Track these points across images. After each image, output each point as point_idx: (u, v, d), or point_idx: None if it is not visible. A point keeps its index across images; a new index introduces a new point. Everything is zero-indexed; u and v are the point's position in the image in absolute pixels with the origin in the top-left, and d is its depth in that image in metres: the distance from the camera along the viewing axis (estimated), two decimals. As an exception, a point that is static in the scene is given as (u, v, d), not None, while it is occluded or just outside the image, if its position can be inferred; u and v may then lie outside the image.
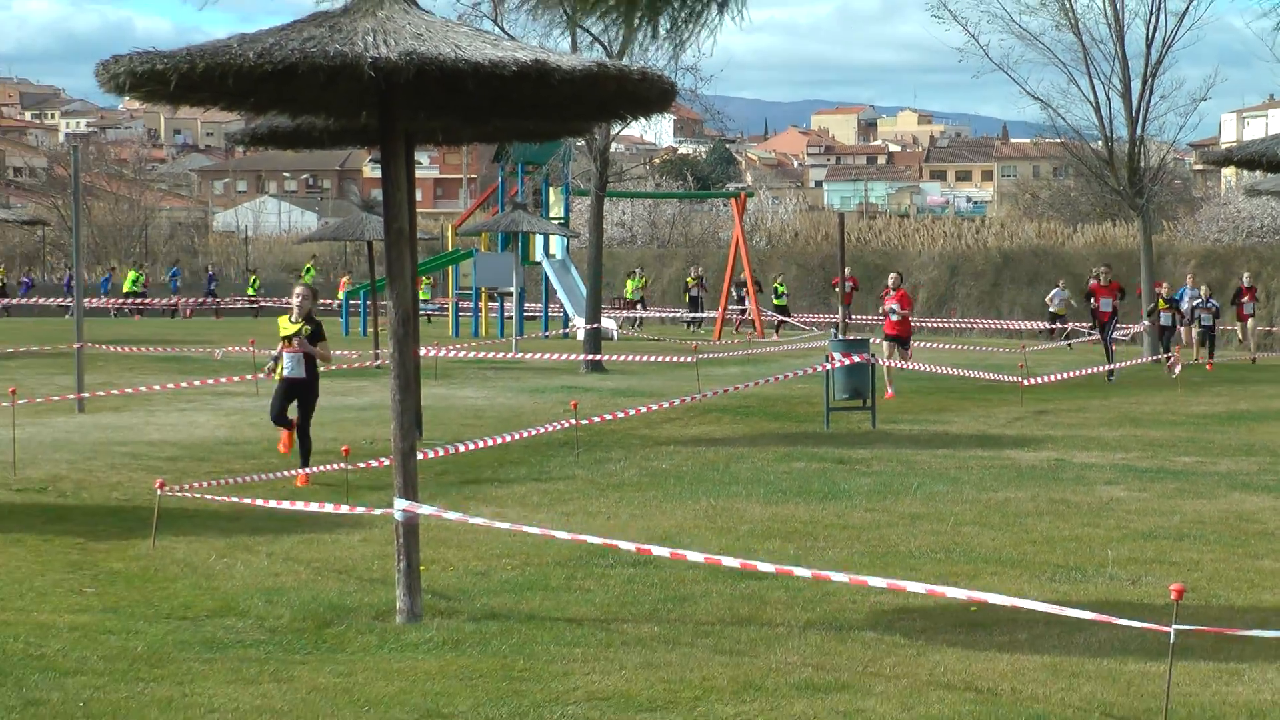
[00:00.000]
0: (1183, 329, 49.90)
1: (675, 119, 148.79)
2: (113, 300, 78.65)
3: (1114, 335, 44.71)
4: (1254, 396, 37.42)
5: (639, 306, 71.43)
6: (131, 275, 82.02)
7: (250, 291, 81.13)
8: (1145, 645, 11.98)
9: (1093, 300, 44.35)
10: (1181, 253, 67.54)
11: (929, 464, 24.40)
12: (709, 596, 14.80)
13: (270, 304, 72.76)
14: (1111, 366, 41.45)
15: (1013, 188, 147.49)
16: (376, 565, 15.97)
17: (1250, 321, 51.43)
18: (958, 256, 77.68)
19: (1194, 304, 49.81)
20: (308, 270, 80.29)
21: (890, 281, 37.47)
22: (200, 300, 79.83)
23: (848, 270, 47.00)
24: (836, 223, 44.74)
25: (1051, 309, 60.25)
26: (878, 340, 36.23)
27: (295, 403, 22.56)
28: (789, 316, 67.15)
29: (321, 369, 23.47)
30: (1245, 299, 51.86)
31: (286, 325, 22.31)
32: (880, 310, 37.61)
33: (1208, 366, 43.95)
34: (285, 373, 22.20)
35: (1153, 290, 53.70)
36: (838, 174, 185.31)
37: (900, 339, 36.90)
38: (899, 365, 36.28)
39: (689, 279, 72.22)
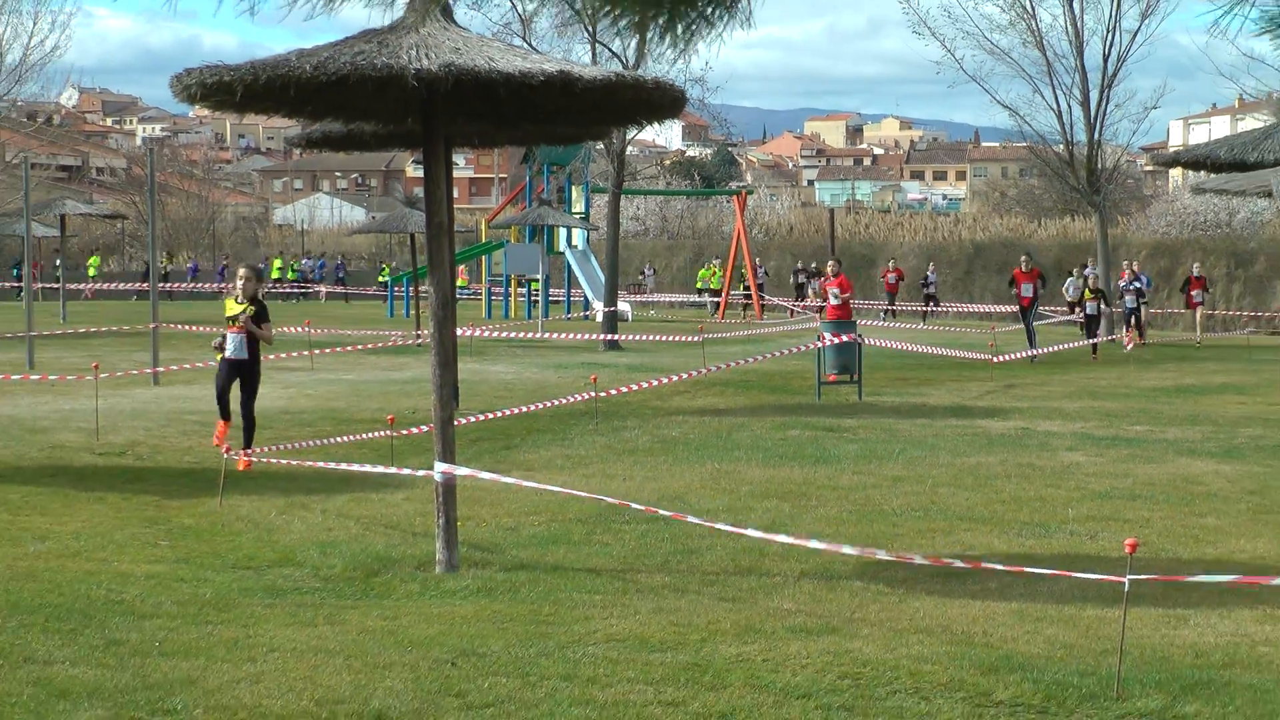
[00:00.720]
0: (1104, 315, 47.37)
1: (684, 125, 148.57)
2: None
3: (1035, 321, 43.55)
4: (1199, 372, 37.48)
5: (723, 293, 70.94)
6: (276, 263, 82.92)
7: (381, 279, 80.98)
8: (1102, 593, 11.98)
9: (1014, 286, 43.49)
10: (1134, 245, 67.54)
11: (909, 432, 24.41)
12: (714, 549, 14.79)
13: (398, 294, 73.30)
14: (1033, 352, 40.09)
15: (984, 186, 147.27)
16: (418, 521, 15.99)
17: (1199, 310, 50.27)
18: (934, 247, 77.74)
19: (1121, 285, 48.65)
20: (712, 271, 78.68)
21: (830, 269, 35.22)
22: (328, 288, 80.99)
23: (891, 262, 47.37)
24: (827, 218, 44.75)
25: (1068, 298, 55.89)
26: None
27: (239, 385, 20.86)
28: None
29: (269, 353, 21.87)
30: (1194, 289, 50.93)
31: (232, 306, 20.74)
32: (821, 297, 35.10)
33: (1127, 345, 42.06)
34: (228, 353, 20.68)
35: (1111, 276, 53.62)
36: (828, 174, 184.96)
37: (842, 322, 33.50)
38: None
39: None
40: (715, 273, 71.85)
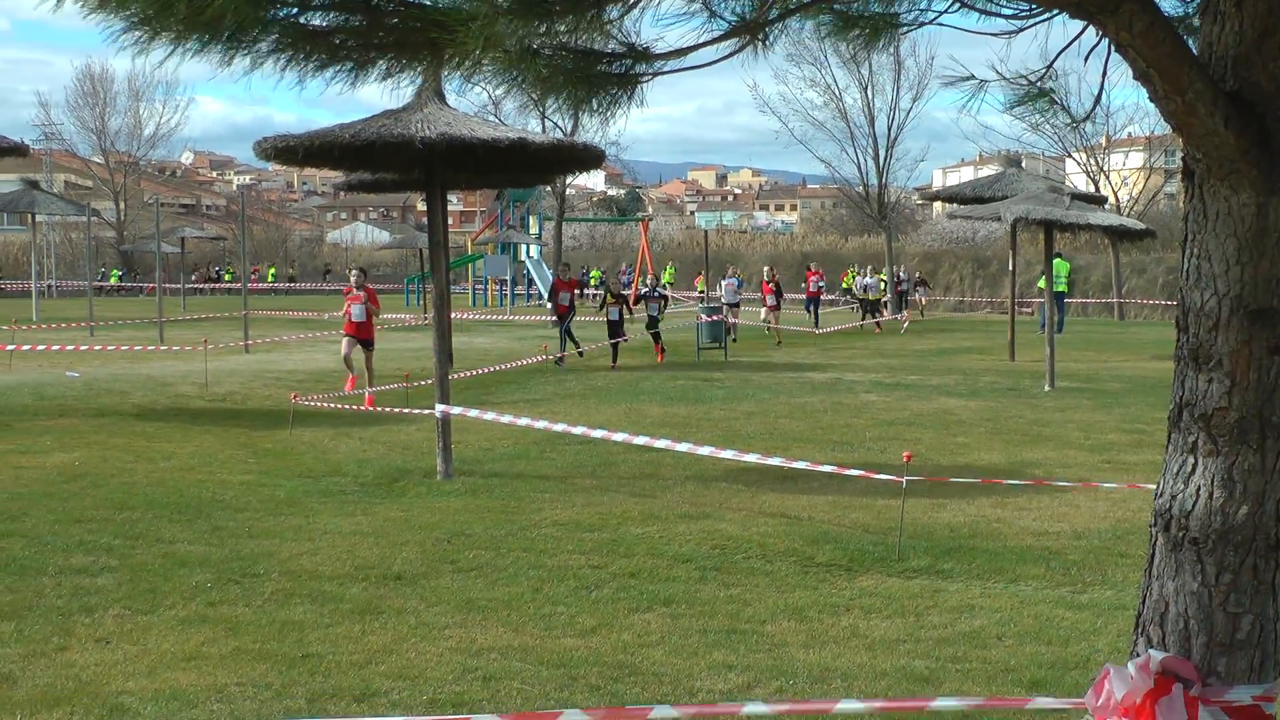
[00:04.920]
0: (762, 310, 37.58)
1: (605, 173, 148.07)
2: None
3: (570, 324, 30.26)
4: (954, 340, 37.72)
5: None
6: (274, 270, 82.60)
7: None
8: (888, 489, 12.02)
9: (554, 295, 30.89)
10: (910, 254, 67.58)
11: (759, 381, 24.45)
12: (627, 461, 14.78)
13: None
14: (561, 354, 28.42)
15: (809, 215, 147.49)
16: (425, 444, 15.90)
17: (776, 313, 38.30)
18: (776, 255, 77.71)
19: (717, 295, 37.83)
20: (669, 270, 72.13)
21: (353, 280, 22.48)
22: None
23: (816, 265, 45.38)
24: (703, 237, 44.94)
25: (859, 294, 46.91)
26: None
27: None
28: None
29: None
30: (766, 293, 39.46)
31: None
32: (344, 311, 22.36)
33: (904, 324, 37.73)
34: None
35: (894, 276, 53.62)
36: (704, 207, 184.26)
37: (363, 341, 21.97)
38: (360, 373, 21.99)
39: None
40: (669, 271, 71.26)
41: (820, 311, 44.06)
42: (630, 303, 31.58)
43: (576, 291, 32.21)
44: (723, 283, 39.37)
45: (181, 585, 9.11)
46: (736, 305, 38.47)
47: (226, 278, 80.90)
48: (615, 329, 29.07)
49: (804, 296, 46.58)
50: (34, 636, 7.89)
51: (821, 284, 45.43)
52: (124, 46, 4.18)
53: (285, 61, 4.46)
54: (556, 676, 7.19)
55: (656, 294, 32.24)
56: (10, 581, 9.17)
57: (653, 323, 31.02)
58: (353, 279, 22.49)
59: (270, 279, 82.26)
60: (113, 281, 73.42)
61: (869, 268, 49.22)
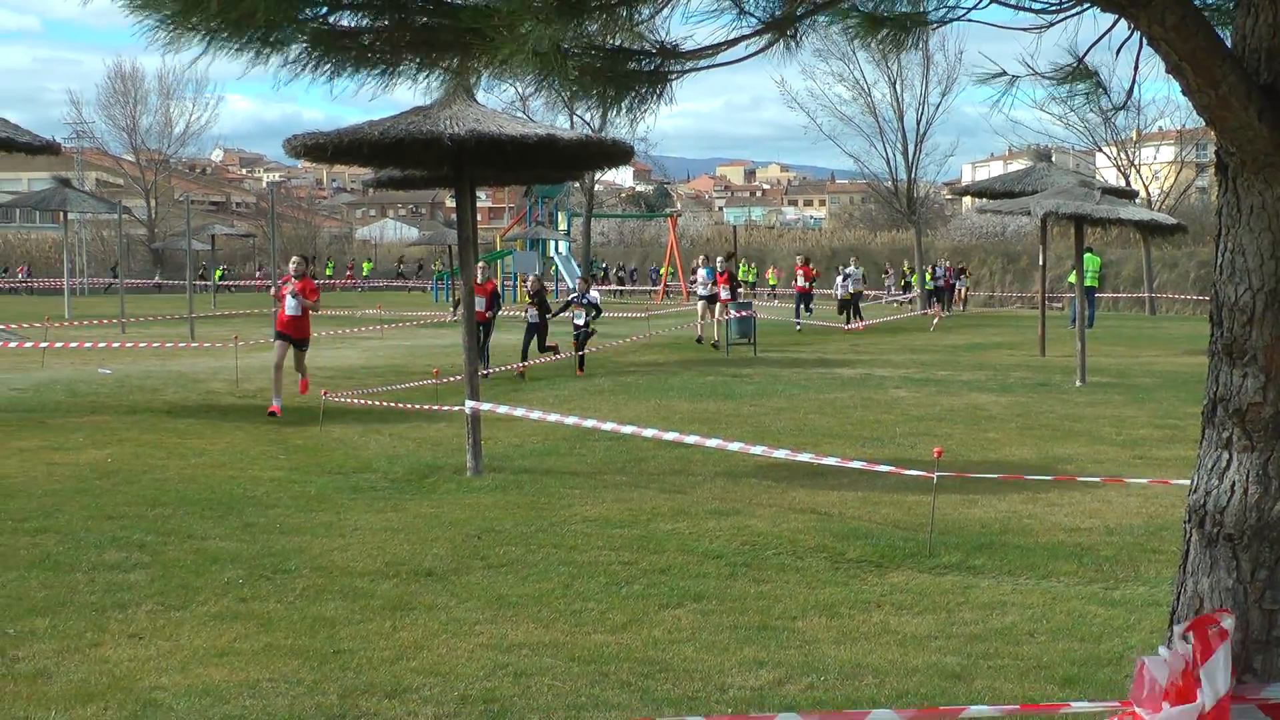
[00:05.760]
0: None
1: (633, 169, 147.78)
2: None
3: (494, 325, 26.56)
4: (984, 335, 37.60)
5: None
6: (367, 265, 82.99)
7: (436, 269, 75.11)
8: (919, 485, 11.99)
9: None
10: (940, 249, 67.40)
11: (788, 377, 24.41)
12: (657, 458, 14.79)
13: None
14: (486, 369, 23.27)
15: (838, 210, 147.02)
16: (455, 440, 15.92)
17: (719, 305, 33.19)
18: (805, 251, 77.56)
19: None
20: (853, 263, 69.33)
21: (293, 269, 19.37)
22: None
23: (805, 259, 45.01)
24: (732, 233, 44.89)
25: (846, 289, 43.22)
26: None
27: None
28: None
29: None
30: (721, 285, 33.45)
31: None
32: (276, 301, 19.77)
33: (934, 320, 38.66)
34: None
35: (921, 269, 53.44)
36: (732, 203, 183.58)
37: (297, 340, 19.46)
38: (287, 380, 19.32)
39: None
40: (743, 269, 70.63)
41: (812, 307, 43.71)
42: (550, 306, 26.84)
43: (495, 297, 26.26)
44: (698, 274, 34.75)
45: (213, 581, 9.15)
46: (712, 300, 32.95)
47: (328, 272, 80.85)
48: (531, 331, 26.00)
49: (794, 291, 44.64)
50: (68, 632, 7.94)
51: (814, 279, 44.46)
52: (157, 44, 4.20)
53: (316, 63, 4.48)
54: (587, 673, 7.20)
55: (586, 299, 27.31)
56: (44, 577, 9.23)
57: (581, 336, 26.65)
58: (292, 267, 19.39)
59: (365, 272, 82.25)
60: (218, 278, 71.97)
61: (853, 259, 48.29)
